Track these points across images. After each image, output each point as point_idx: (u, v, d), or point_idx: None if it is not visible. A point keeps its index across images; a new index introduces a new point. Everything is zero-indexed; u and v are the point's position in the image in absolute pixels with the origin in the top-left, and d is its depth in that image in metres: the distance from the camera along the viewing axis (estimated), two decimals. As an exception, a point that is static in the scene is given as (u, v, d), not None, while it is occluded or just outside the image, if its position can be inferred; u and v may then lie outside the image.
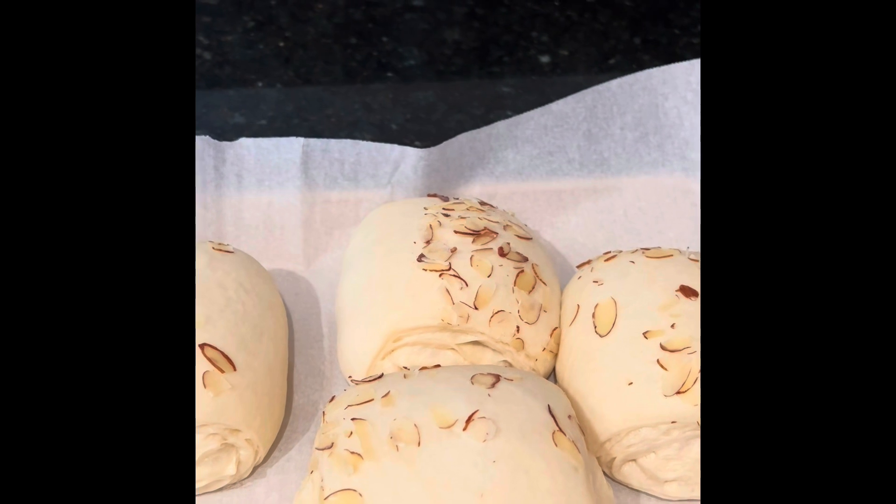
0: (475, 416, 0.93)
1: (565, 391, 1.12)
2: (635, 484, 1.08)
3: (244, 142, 1.32)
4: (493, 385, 0.98)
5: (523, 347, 1.10)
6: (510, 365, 1.12)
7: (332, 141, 1.33)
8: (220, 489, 1.04)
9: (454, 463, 0.90)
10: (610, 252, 1.23)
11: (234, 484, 1.05)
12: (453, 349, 1.10)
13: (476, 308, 1.08)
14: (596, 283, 1.14)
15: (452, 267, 1.10)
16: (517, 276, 1.12)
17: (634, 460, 1.06)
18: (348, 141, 1.33)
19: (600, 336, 1.07)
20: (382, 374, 1.03)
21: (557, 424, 0.96)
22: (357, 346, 1.11)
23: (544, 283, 1.16)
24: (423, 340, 1.09)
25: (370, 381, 1.02)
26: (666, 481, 1.06)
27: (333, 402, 1.01)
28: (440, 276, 1.09)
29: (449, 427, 0.93)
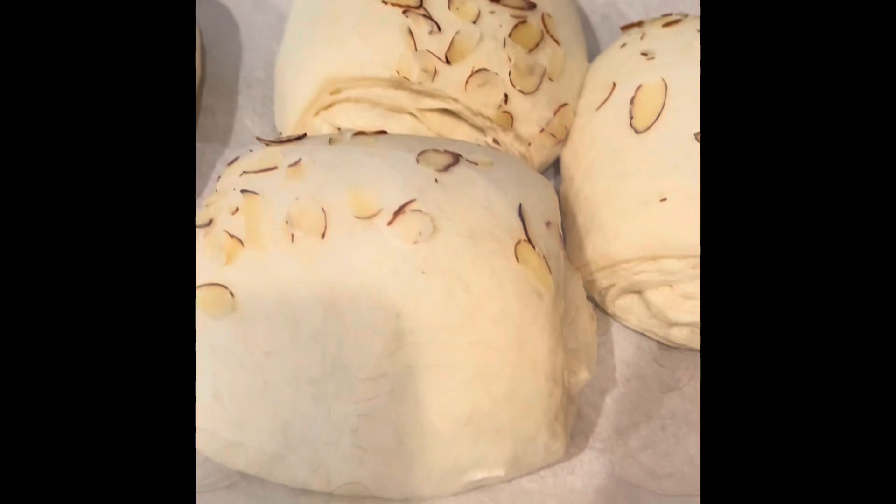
0: (408, 208, 0.66)
1: (567, 194, 0.84)
2: (632, 321, 0.82)
3: None
4: (446, 167, 0.70)
5: (512, 125, 0.81)
6: (497, 147, 0.84)
7: None
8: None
9: (366, 267, 0.65)
10: (671, 15, 0.90)
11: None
12: (412, 114, 0.82)
13: (448, 62, 0.79)
14: (645, 57, 0.83)
15: (424, 5, 0.80)
16: (515, 27, 0.81)
17: (639, 292, 0.80)
18: None
19: (636, 131, 0.78)
20: (304, 135, 0.76)
21: (526, 232, 0.68)
22: (288, 94, 0.83)
23: (556, 42, 0.84)
24: (371, 97, 0.81)
25: (282, 142, 0.74)
26: (674, 324, 0.79)
27: (234, 164, 0.75)
28: (404, 12, 0.79)
29: (369, 218, 0.66)
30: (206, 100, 0.93)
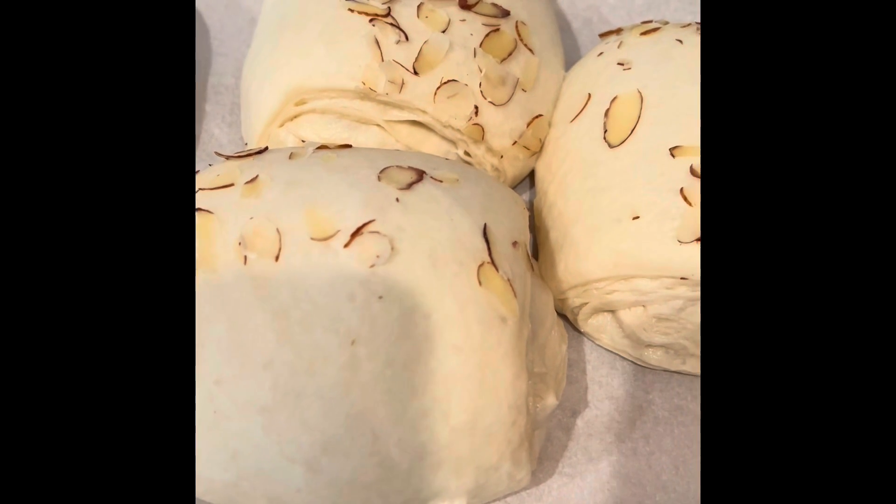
0: (366, 230, 0.64)
1: (541, 209, 0.82)
2: (605, 341, 0.79)
3: None
4: (409, 185, 0.68)
5: (483, 137, 0.79)
6: (468, 159, 0.81)
7: None
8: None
9: (321, 291, 0.62)
10: (651, 22, 0.87)
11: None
12: (379, 126, 0.79)
13: (416, 73, 0.76)
14: (621, 67, 0.80)
15: (392, 13, 0.77)
16: (486, 35, 0.78)
17: (612, 312, 0.77)
18: None
19: (610, 146, 0.75)
20: (266, 149, 0.74)
21: (490, 253, 0.66)
22: (253, 105, 0.81)
23: (530, 51, 0.82)
24: (337, 108, 0.78)
25: (241, 156, 0.72)
26: (648, 346, 0.77)
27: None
28: (371, 22, 0.76)
29: (325, 240, 0.64)
30: (174, 107, 0.91)
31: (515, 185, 0.87)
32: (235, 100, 0.92)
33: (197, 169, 0.75)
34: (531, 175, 0.88)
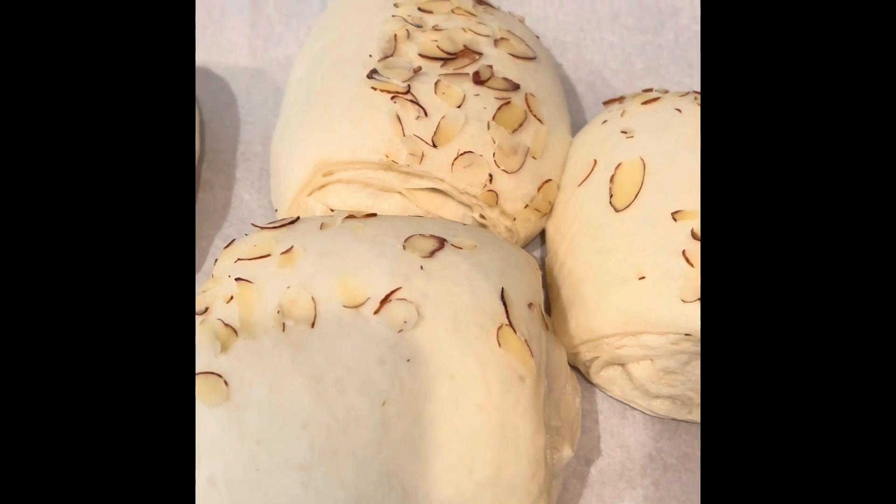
0: (394, 297, 0.69)
1: (552, 267, 0.87)
2: (616, 392, 0.84)
3: None
4: (431, 253, 0.73)
5: (497, 202, 0.84)
6: (483, 221, 0.87)
7: None
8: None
9: (354, 356, 0.67)
10: (651, 91, 0.93)
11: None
12: (401, 193, 0.85)
13: (435, 146, 0.82)
14: (624, 135, 0.86)
15: (412, 90, 0.83)
16: (499, 108, 0.84)
17: (622, 365, 0.82)
18: None
19: (616, 210, 0.80)
20: (298, 219, 0.79)
21: (508, 316, 0.71)
22: (282, 175, 0.87)
23: (539, 121, 0.87)
24: (362, 178, 0.84)
25: (275, 227, 0.78)
26: (656, 396, 0.82)
27: (230, 248, 0.78)
28: (392, 99, 0.82)
29: (357, 307, 0.69)
30: (206, 174, 0.97)
31: (527, 244, 0.92)
32: (263, 166, 0.97)
33: (233, 238, 0.81)
34: (542, 234, 0.93)
